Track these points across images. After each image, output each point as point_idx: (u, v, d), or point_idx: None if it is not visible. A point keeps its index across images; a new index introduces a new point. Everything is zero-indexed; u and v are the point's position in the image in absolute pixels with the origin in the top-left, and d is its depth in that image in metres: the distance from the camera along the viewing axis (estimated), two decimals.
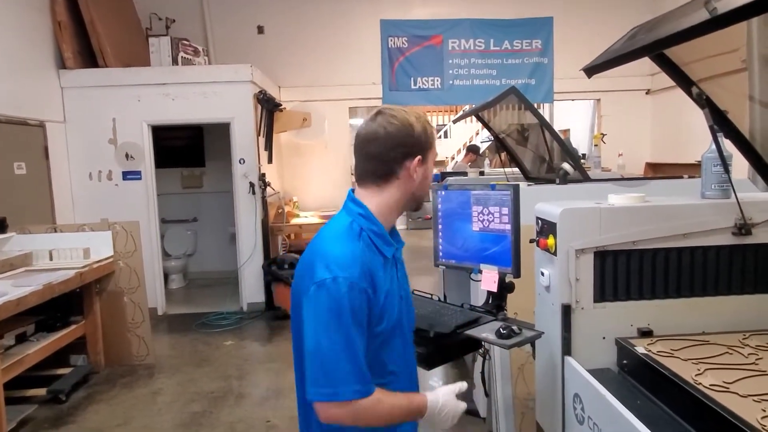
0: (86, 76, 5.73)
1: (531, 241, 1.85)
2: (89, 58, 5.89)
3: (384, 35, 7.66)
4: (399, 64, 7.82)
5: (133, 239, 4.36)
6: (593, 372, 1.53)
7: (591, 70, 1.52)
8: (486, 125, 4.01)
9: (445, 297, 2.30)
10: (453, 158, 13.11)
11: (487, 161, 8.20)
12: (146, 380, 4.16)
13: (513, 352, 2.28)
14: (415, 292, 1.93)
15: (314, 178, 7.77)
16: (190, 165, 7.63)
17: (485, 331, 1.68)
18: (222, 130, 6.16)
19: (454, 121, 6.95)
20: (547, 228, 1.75)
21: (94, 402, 3.72)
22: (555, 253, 1.70)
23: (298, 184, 7.74)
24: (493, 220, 1.83)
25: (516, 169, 4.09)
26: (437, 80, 7.89)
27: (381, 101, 7.79)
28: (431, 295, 2.05)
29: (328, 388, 1.18)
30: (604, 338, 1.67)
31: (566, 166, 2.87)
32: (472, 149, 8.14)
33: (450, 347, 1.71)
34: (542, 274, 1.80)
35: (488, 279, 1.84)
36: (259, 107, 6.21)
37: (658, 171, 6.95)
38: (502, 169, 4.74)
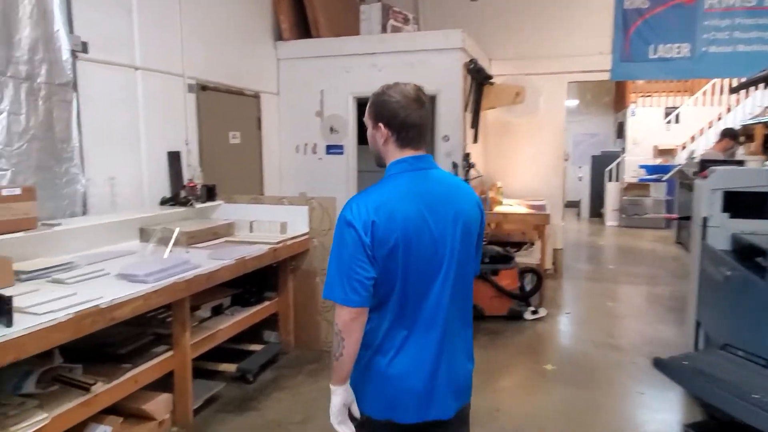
0: (300, 47, 5.67)
1: None
2: (304, 29, 5.84)
3: None
4: (636, 28, 6.47)
5: (329, 216, 4.08)
6: None
7: None
8: None
9: None
10: (684, 146, 11.01)
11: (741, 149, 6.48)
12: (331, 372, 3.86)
13: None
14: None
15: (522, 162, 6.92)
16: None
17: None
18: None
19: (733, 90, 5.44)
20: None
21: (278, 388, 3.50)
22: None
23: (503, 168, 6.96)
24: None
25: None
26: (685, 47, 6.36)
27: (609, 74, 6.58)
28: None
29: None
30: None
31: None
32: (729, 134, 6.46)
33: None
34: None
35: None
36: (469, 79, 5.57)
37: None
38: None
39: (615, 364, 4.01)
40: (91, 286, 2.51)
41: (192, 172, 4.34)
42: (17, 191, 2.66)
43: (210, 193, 4.12)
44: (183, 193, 4.01)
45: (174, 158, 4.20)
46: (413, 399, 1.53)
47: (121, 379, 2.61)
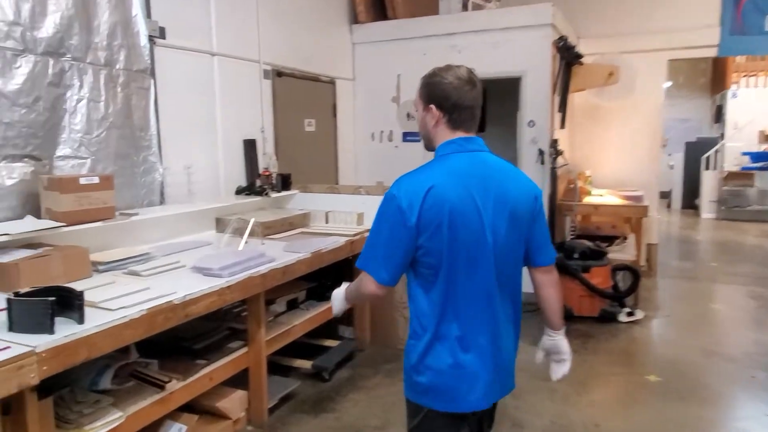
0: (375, 29, 5.44)
1: None
2: (380, 10, 5.60)
3: None
4: None
5: None
6: None
7: None
8: None
9: None
10: None
11: None
12: None
13: None
14: None
15: (612, 149, 6.37)
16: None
17: None
18: (504, 88, 5.31)
19: None
20: None
21: (355, 388, 3.32)
22: None
23: (591, 155, 6.44)
24: None
25: None
26: None
27: (716, 50, 5.90)
28: None
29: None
30: None
31: None
32: None
33: None
34: None
35: None
36: (557, 58, 5.12)
37: None
38: None
39: (730, 377, 3.53)
40: (165, 279, 2.41)
41: (267, 160, 4.23)
42: (95, 180, 2.60)
43: (285, 183, 4.00)
44: (258, 182, 3.90)
45: (250, 146, 4.10)
46: (473, 387, 1.51)
47: (196, 376, 2.51)
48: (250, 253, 2.74)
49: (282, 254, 2.92)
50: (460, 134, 1.52)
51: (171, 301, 2.10)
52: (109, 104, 2.98)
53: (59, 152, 2.75)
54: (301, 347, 3.53)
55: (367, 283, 1.52)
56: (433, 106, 1.51)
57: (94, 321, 1.84)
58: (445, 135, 1.53)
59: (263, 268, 2.64)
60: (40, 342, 1.67)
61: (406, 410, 1.61)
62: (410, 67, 5.33)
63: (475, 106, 1.52)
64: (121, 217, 2.80)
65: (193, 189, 3.50)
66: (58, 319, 1.79)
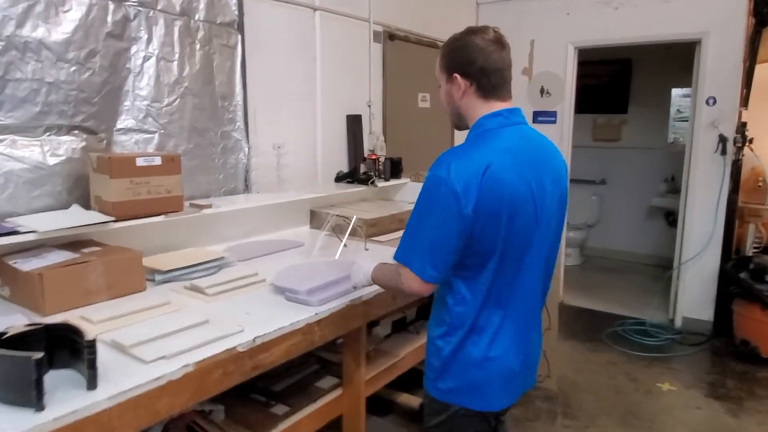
0: None
1: None
2: None
3: None
4: None
5: None
6: None
7: None
8: None
9: None
10: None
11: None
12: (546, 424, 2.79)
13: None
14: None
15: None
16: (608, 111, 5.85)
17: None
18: (655, 63, 4.19)
19: None
20: None
21: None
22: None
23: None
24: None
25: None
26: None
27: None
28: None
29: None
30: None
31: None
32: None
33: None
34: None
35: None
36: (750, 18, 3.90)
37: None
38: None
39: None
40: (235, 303, 1.74)
41: (373, 141, 3.49)
42: (156, 161, 1.98)
43: (395, 169, 3.24)
44: (363, 168, 3.18)
45: (354, 123, 3.39)
46: (507, 384, 1.40)
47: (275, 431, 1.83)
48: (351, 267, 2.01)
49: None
50: (497, 104, 1.35)
51: (234, 348, 1.41)
52: (184, 65, 2.36)
53: (120, 124, 2.17)
54: (412, 375, 2.78)
55: (408, 280, 1.32)
56: (457, 75, 1.34)
57: (115, 382, 1.18)
58: (478, 106, 1.35)
59: (368, 292, 1.89)
60: (21, 427, 1.03)
61: (426, 409, 1.49)
62: (547, 31, 4.36)
63: (505, 68, 1.35)
64: (191, 209, 2.18)
65: (283, 174, 2.84)
66: (59, 376, 1.16)
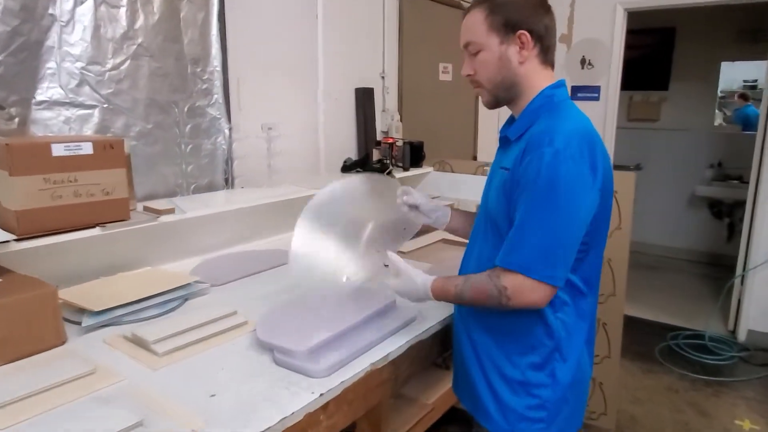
0: None
1: None
2: None
3: None
4: None
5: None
6: None
7: None
8: None
9: None
10: None
11: None
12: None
13: None
14: None
15: None
16: (647, 87, 5.19)
17: None
18: (703, 32, 3.50)
19: None
20: None
21: None
22: None
23: None
24: None
25: None
26: None
27: None
28: None
29: None
30: None
31: None
32: None
33: None
34: None
35: None
36: None
37: None
38: None
39: None
40: (197, 371, 1.13)
41: (388, 121, 2.86)
42: (85, 148, 1.35)
43: (416, 156, 2.61)
44: (377, 155, 2.55)
45: (365, 98, 2.74)
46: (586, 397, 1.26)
47: None
48: (372, 301, 1.39)
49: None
50: (551, 74, 1.15)
51: None
52: (136, 13, 1.71)
53: (41, 95, 1.53)
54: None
55: (524, 292, 1.04)
56: (525, 32, 1.08)
57: None
58: (539, 76, 1.13)
59: (399, 346, 1.28)
60: None
61: None
62: None
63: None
64: (145, 215, 1.56)
65: (275, 164, 2.20)
66: None
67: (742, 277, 3.47)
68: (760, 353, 3.30)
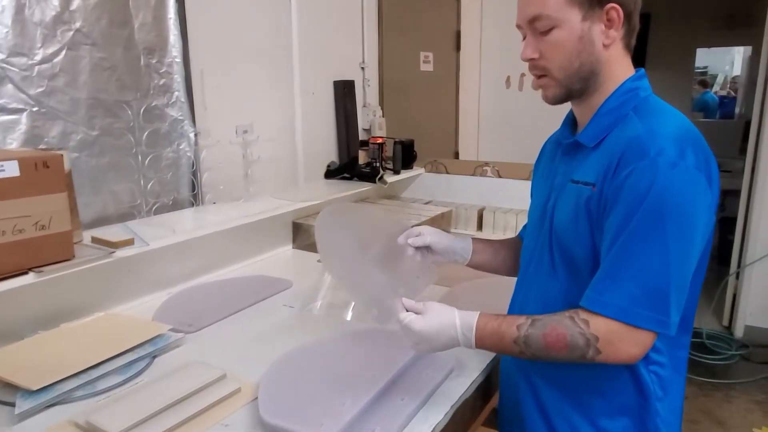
0: None
1: None
2: None
3: None
4: None
5: None
6: None
7: None
8: None
9: None
10: None
11: None
12: None
13: None
14: None
15: None
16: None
17: None
18: (678, 18, 3.34)
19: None
20: None
21: None
22: None
23: None
24: None
25: None
26: None
27: None
28: None
29: None
30: None
31: None
32: None
33: None
34: None
35: None
36: None
37: None
38: None
39: None
40: None
41: (369, 117, 2.57)
42: (10, 168, 1.00)
43: (407, 157, 2.31)
44: (365, 157, 2.25)
45: (345, 93, 2.43)
46: None
47: None
48: (393, 348, 1.10)
49: None
50: (630, 63, 0.92)
51: None
52: None
53: None
54: None
55: (625, 345, 0.81)
56: (616, 6, 0.85)
57: None
58: (620, 64, 0.90)
59: (444, 413, 0.99)
60: None
61: None
62: None
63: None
64: (94, 250, 1.21)
65: (251, 172, 1.86)
66: None
67: (739, 272, 3.36)
68: (759, 350, 3.20)
